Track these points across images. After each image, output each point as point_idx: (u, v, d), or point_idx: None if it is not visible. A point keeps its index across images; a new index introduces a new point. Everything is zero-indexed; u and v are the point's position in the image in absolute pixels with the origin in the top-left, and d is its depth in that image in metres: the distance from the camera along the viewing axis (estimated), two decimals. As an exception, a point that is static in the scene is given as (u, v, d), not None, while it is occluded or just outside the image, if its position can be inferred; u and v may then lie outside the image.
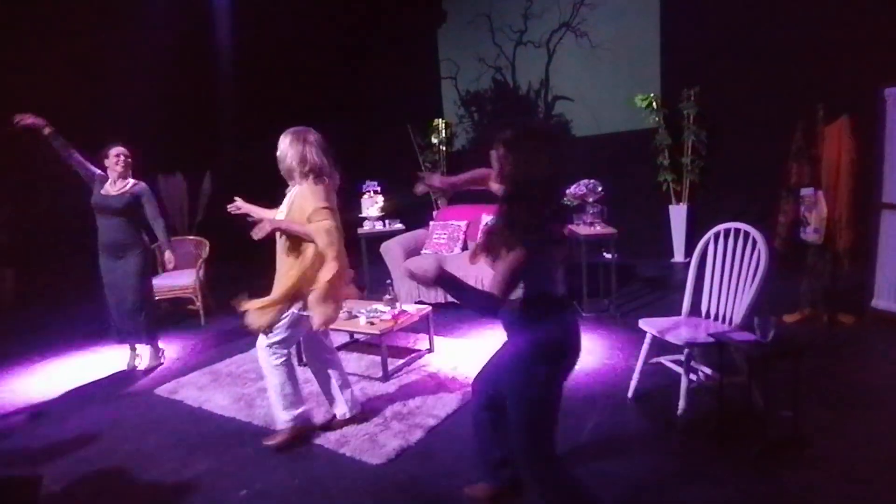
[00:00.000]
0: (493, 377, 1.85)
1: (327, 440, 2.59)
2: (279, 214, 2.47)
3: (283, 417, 2.56)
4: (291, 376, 2.55)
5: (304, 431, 2.59)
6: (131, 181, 3.57)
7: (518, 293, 1.62)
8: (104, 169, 3.53)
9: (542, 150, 1.60)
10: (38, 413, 3.14)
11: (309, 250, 2.37)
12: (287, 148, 2.43)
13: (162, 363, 3.78)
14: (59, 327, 4.99)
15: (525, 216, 1.53)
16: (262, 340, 2.48)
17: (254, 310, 2.39)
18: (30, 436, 2.89)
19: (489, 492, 2.00)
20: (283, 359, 2.51)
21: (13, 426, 3.00)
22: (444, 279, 1.55)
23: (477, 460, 2.03)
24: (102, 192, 3.51)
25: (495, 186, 1.79)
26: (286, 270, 2.41)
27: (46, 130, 3.35)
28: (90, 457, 2.63)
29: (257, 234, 2.35)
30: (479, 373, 1.96)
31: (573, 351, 1.67)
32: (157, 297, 4.14)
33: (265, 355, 2.49)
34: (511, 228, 1.54)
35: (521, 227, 1.53)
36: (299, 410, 2.58)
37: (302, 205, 2.37)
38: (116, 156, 3.48)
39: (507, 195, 1.62)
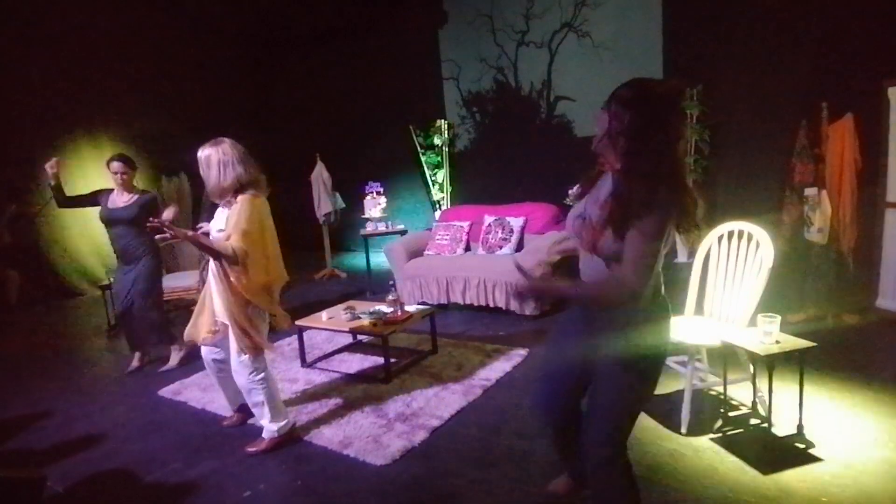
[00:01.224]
0: (578, 372, 1.70)
1: (331, 441, 2.59)
2: (213, 228, 2.46)
3: (269, 428, 2.56)
4: (274, 388, 2.56)
5: (286, 440, 2.59)
6: (137, 194, 3.59)
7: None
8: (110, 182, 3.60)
9: (671, 109, 1.40)
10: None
11: (231, 271, 2.38)
12: (208, 165, 2.38)
13: (164, 367, 3.77)
14: (63, 328, 5.01)
15: (658, 190, 1.33)
16: (238, 363, 2.48)
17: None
18: (34, 436, 2.90)
19: (572, 483, 1.98)
20: (263, 374, 2.51)
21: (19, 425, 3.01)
22: (543, 291, 1.46)
23: (558, 456, 1.99)
24: (110, 205, 3.55)
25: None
26: (234, 296, 2.40)
27: (52, 182, 3.49)
28: (94, 457, 2.64)
29: (168, 235, 2.36)
30: (555, 369, 1.80)
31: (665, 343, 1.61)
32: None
33: (245, 374, 2.48)
34: (639, 199, 1.34)
35: (651, 198, 1.33)
36: (285, 422, 2.59)
37: (230, 218, 2.37)
38: (115, 173, 3.52)
39: (625, 170, 1.40)
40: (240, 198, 2.38)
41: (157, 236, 2.43)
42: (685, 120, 1.24)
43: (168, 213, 3.49)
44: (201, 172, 2.43)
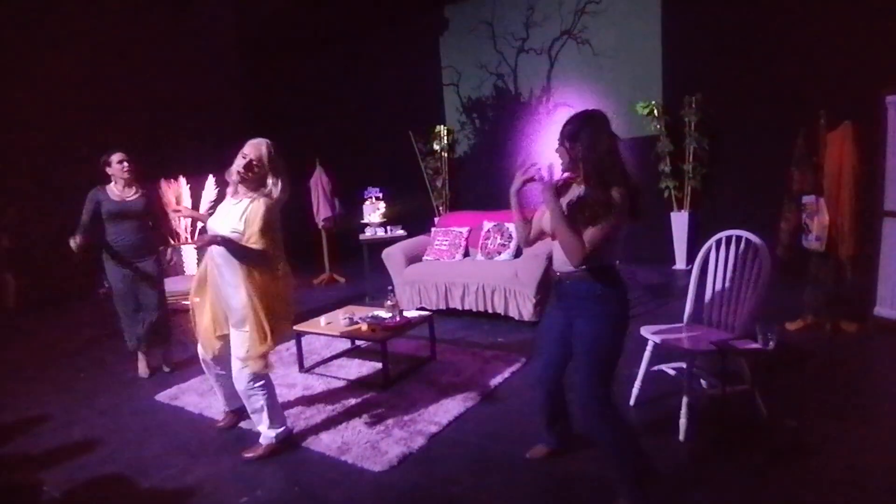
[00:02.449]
0: (556, 355, 2.13)
1: (329, 447, 2.58)
2: (216, 224, 2.44)
3: (267, 434, 2.55)
4: (272, 395, 2.55)
5: (284, 446, 2.58)
6: (137, 188, 3.58)
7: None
8: (106, 176, 3.52)
9: (602, 130, 1.89)
10: None
11: (255, 273, 2.37)
12: (266, 159, 2.41)
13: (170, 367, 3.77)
14: (60, 332, 4.99)
15: (615, 195, 1.80)
16: (240, 369, 2.46)
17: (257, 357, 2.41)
18: (31, 441, 2.89)
19: (546, 451, 2.35)
20: (264, 380, 2.51)
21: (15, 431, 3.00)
22: (553, 199, 1.87)
23: (540, 422, 2.32)
24: (115, 198, 3.47)
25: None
26: (246, 300, 2.37)
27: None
28: (91, 462, 2.62)
29: (198, 243, 2.39)
30: (545, 344, 2.19)
31: (627, 312, 1.99)
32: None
33: (244, 380, 2.47)
34: (603, 203, 1.81)
35: (612, 204, 1.80)
36: (283, 428, 2.58)
37: (253, 220, 2.36)
38: (119, 163, 3.48)
39: (587, 175, 1.89)
40: (262, 200, 2.38)
41: (199, 245, 2.45)
42: (612, 134, 1.86)
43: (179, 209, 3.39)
44: (249, 157, 2.39)
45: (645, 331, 2.69)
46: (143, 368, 3.71)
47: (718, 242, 2.65)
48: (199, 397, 3.27)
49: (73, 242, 3.30)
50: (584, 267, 1.89)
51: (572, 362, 2.03)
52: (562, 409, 2.29)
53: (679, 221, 5.87)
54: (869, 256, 3.62)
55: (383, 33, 7.65)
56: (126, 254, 3.50)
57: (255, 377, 2.46)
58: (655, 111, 5.77)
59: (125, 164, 3.48)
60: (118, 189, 3.51)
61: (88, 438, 2.86)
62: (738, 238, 2.55)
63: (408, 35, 7.53)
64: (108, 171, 3.51)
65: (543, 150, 6.77)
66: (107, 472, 2.53)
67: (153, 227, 3.70)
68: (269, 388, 2.52)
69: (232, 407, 2.85)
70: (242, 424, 2.87)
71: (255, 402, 2.51)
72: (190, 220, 6.15)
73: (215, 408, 3.08)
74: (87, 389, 3.56)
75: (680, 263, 5.90)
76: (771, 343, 2.22)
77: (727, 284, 2.58)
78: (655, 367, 2.77)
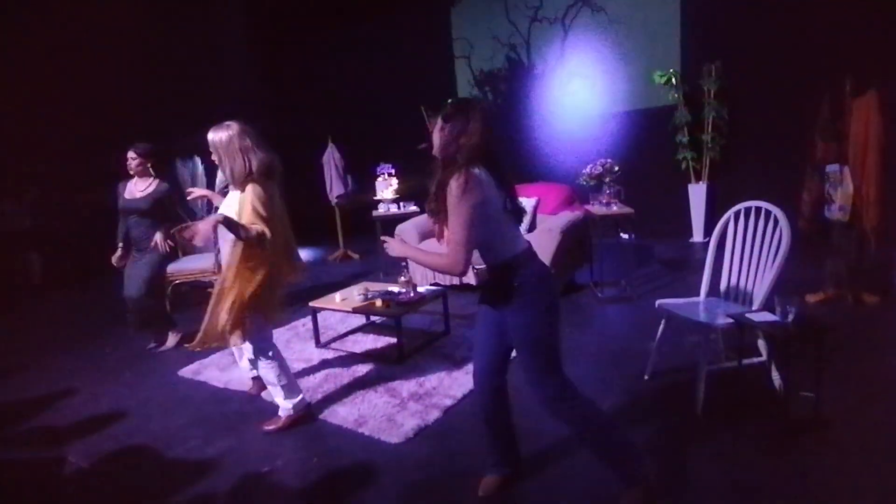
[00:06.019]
0: (491, 354, 1.94)
1: (346, 420, 2.63)
2: (224, 208, 2.43)
3: (284, 405, 2.61)
4: (284, 366, 2.59)
5: (302, 417, 2.64)
6: (154, 181, 3.69)
7: (480, 262, 1.82)
8: (127, 171, 3.69)
9: (475, 120, 1.73)
10: None
11: (246, 256, 2.34)
12: (224, 152, 2.33)
13: (160, 348, 3.84)
14: (85, 310, 5.12)
15: (458, 179, 1.65)
16: (246, 344, 2.50)
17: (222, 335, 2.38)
18: (59, 413, 2.99)
19: (499, 481, 2.06)
20: (272, 351, 2.55)
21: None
22: (404, 253, 1.84)
23: (490, 449, 2.06)
24: (127, 195, 3.67)
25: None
26: (233, 281, 2.35)
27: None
28: (117, 434, 2.72)
29: (200, 234, 2.30)
30: (476, 361, 1.99)
31: (554, 290, 1.85)
32: (176, 281, 4.21)
33: (251, 352, 2.52)
34: (446, 191, 1.67)
35: (456, 190, 1.64)
36: (298, 398, 2.63)
37: (244, 205, 2.33)
38: (131, 158, 3.63)
39: (443, 162, 1.77)
40: (247, 186, 2.34)
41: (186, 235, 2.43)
42: (485, 125, 1.72)
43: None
44: (215, 157, 2.38)
45: (661, 304, 2.67)
46: (153, 341, 3.87)
47: (737, 214, 2.59)
48: (220, 372, 3.34)
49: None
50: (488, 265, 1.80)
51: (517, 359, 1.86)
52: (507, 422, 2.04)
53: (697, 193, 5.76)
54: (893, 227, 3.52)
55: (394, 6, 7.49)
56: (134, 246, 3.71)
57: (261, 350, 2.51)
58: (673, 80, 5.61)
59: (129, 161, 3.62)
60: (132, 184, 3.69)
61: (114, 411, 2.96)
62: (758, 209, 2.50)
63: (419, 7, 7.36)
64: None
65: (557, 124, 6.66)
66: (132, 444, 2.62)
67: (179, 219, 3.83)
68: (278, 360, 2.57)
69: (255, 374, 2.92)
70: (264, 396, 2.94)
71: (267, 374, 2.56)
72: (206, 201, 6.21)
73: (236, 381, 3.16)
74: (113, 364, 3.66)
75: (697, 236, 5.82)
76: (790, 316, 2.19)
77: (746, 257, 2.54)
78: (672, 341, 2.75)
